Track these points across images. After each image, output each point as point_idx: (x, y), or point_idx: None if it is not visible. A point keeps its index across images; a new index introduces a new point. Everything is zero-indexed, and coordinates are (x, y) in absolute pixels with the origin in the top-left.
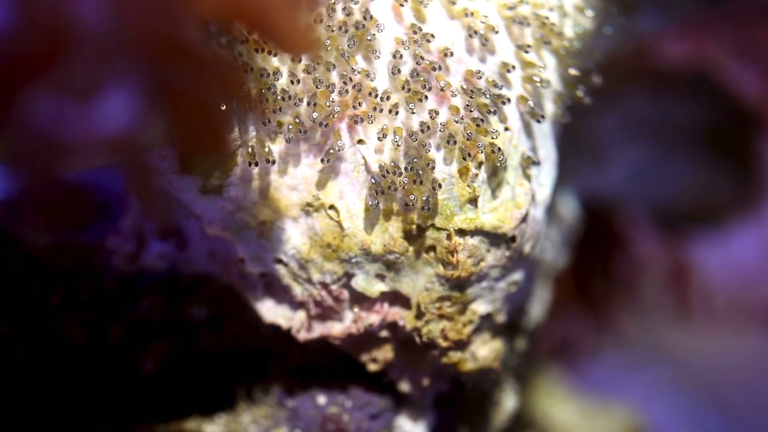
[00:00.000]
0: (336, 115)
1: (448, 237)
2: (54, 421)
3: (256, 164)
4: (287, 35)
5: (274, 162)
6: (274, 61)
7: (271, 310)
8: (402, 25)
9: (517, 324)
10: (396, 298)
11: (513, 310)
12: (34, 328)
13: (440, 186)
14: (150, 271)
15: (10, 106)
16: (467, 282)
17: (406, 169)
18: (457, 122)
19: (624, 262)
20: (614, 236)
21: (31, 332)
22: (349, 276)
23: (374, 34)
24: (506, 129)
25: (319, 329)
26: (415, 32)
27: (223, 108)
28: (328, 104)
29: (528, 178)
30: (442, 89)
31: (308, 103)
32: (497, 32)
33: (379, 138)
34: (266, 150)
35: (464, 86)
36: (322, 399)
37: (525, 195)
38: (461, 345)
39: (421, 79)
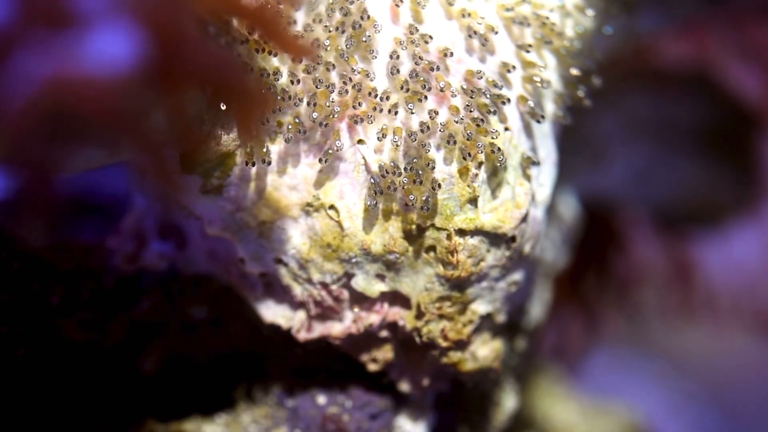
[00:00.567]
0: (336, 115)
1: (448, 237)
2: (54, 421)
3: (254, 164)
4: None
5: (269, 162)
6: (274, 61)
7: (271, 310)
8: (400, 26)
9: (517, 324)
10: (396, 298)
11: (513, 310)
12: (34, 328)
13: (440, 186)
14: (150, 271)
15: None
16: (467, 282)
17: (405, 169)
18: (457, 122)
19: (623, 262)
20: (614, 236)
21: (31, 332)
22: (349, 276)
23: (370, 35)
24: (506, 129)
25: (319, 329)
26: (412, 32)
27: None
28: (327, 104)
29: (528, 178)
30: (441, 89)
31: (308, 103)
32: (497, 32)
33: (378, 138)
34: (265, 150)
35: (464, 86)
36: (322, 399)
37: (525, 195)
38: (461, 345)
39: (421, 79)
